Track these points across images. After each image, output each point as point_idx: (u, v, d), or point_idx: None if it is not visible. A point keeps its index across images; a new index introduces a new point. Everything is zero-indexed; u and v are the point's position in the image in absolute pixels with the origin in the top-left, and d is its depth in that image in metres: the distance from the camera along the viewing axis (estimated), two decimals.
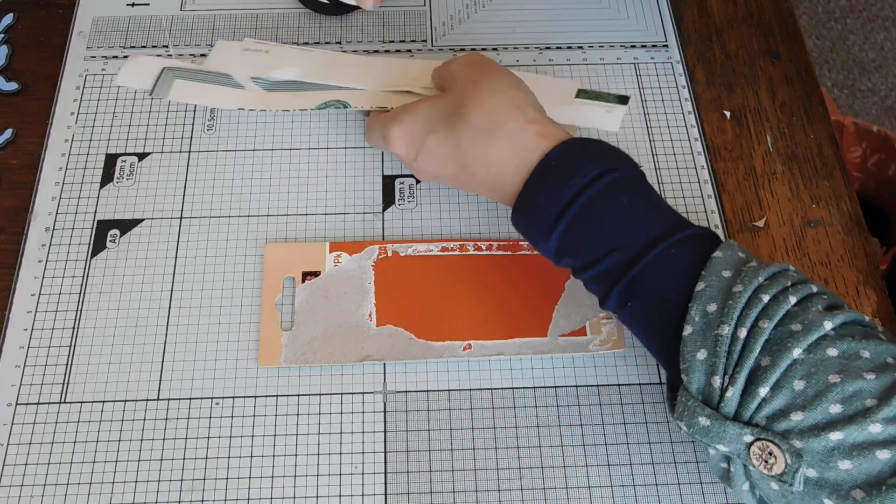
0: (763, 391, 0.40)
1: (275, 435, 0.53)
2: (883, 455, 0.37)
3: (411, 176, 0.63)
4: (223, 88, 0.63)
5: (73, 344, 0.56)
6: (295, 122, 0.66)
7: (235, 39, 0.70)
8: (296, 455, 0.52)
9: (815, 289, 0.43)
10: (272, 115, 0.66)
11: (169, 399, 0.54)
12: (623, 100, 0.62)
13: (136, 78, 0.64)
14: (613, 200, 0.46)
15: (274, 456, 0.52)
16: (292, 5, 0.73)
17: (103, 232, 0.60)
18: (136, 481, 0.51)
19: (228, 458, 0.52)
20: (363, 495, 0.51)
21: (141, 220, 0.61)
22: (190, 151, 0.64)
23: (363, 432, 0.53)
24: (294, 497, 0.51)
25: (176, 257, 0.59)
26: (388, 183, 0.63)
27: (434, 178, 0.55)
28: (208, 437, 0.53)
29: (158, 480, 0.51)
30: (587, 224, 0.46)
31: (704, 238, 0.46)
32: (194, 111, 0.66)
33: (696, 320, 0.43)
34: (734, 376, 0.40)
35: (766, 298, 0.42)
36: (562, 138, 0.49)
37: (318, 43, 0.70)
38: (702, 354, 0.42)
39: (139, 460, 0.52)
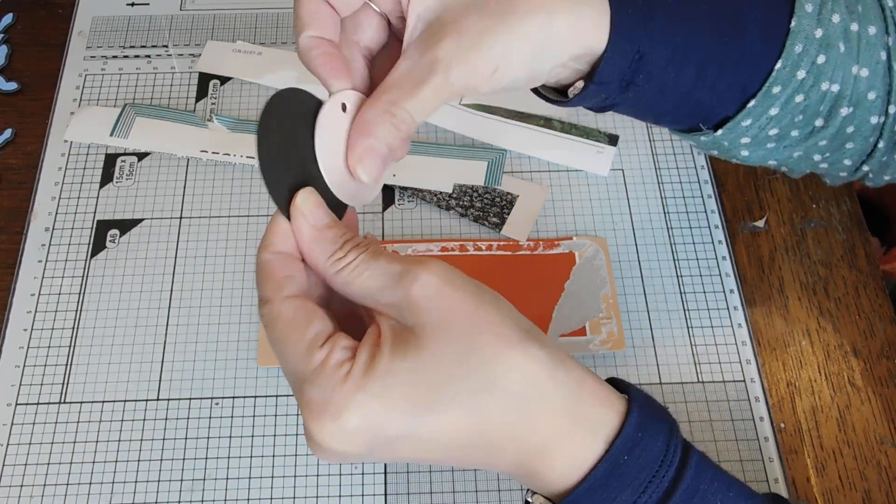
0: None
1: (275, 435, 0.53)
2: None
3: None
4: (186, 127, 0.64)
5: (72, 344, 0.56)
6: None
7: (227, 41, 0.70)
8: (296, 455, 0.52)
9: None
10: None
11: (169, 399, 0.54)
12: (613, 140, 0.64)
13: (87, 131, 0.64)
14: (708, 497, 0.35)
15: (274, 456, 0.52)
16: (291, 5, 0.72)
17: (103, 232, 0.60)
18: (136, 481, 0.51)
19: (228, 458, 0.52)
20: (363, 495, 0.51)
21: (141, 220, 0.61)
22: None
23: None
24: (294, 497, 0.51)
25: (176, 257, 0.59)
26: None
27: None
28: (208, 437, 0.53)
29: (158, 480, 0.51)
30: None
31: None
32: (194, 110, 0.66)
33: None
34: None
35: None
36: (622, 406, 0.35)
37: None
38: None
39: (139, 460, 0.52)
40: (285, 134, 0.36)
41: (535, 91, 0.45)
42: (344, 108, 0.38)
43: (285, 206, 0.36)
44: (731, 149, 0.45)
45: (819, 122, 0.43)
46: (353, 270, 0.35)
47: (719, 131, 0.44)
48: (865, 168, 0.46)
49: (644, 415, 0.35)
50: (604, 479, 0.34)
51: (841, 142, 0.44)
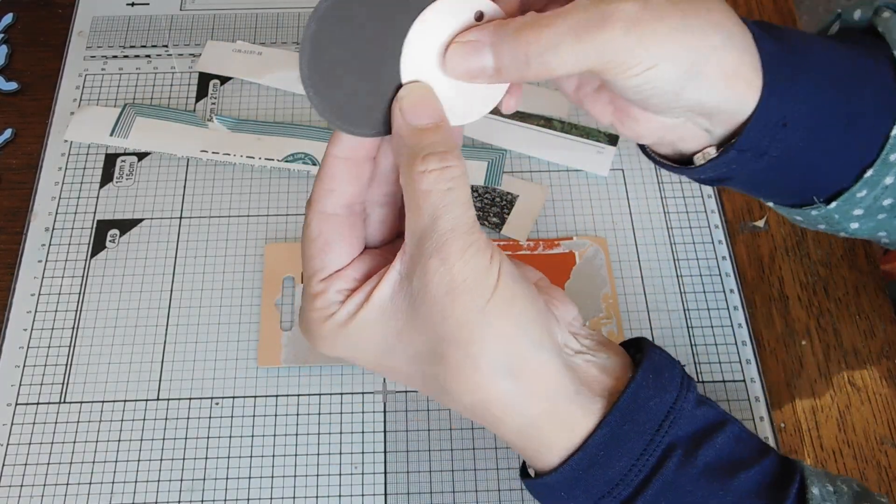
0: None
1: (275, 435, 0.53)
2: None
3: None
4: (186, 127, 0.64)
5: (72, 344, 0.56)
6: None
7: (228, 41, 0.70)
8: (296, 455, 0.52)
9: None
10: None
11: (169, 399, 0.54)
12: (613, 140, 0.64)
13: (87, 131, 0.64)
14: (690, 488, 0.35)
15: (274, 456, 0.52)
16: (291, 5, 0.72)
17: (103, 232, 0.60)
18: (136, 481, 0.51)
19: (228, 458, 0.52)
20: (363, 495, 0.51)
21: (141, 220, 0.61)
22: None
23: (363, 432, 0.53)
24: (294, 497, 0.51)
25: (176, 257, 0.59)
26: None
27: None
28: (208, 437, 0.53)
29: (158, 480, 0.51)
30: None
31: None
32: (194, 110, 0.66)
33: None
34: None
35: None
36: (591, 422, 0.35)
37: None
38: None
39: (139, 460, 0.52)
40: (362, 24, 0.32)
41: (645, 151, 0.43)
42: (480, 17, 0.33)
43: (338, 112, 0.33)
44: (840, 221, 0.43)
45: None
46: (420, 198, 0.33)
47: (832, 204, 0.41)
48: None
49: (612, 435, 0.34)
50: (562, 485, 0.35)
51: None
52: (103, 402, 0.54)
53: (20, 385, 0.54)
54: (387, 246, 0.38)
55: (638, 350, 0.38)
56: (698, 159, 0.40)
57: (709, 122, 0.38)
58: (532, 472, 0.37)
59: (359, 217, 0.36)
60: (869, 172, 0.40)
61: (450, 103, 0.34)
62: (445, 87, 0.34)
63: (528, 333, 0.34)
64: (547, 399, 0.34)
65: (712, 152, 0.39)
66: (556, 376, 0.35)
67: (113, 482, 0.51)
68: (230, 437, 0.53)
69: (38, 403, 0.54)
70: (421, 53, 0.33)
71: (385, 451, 0.52)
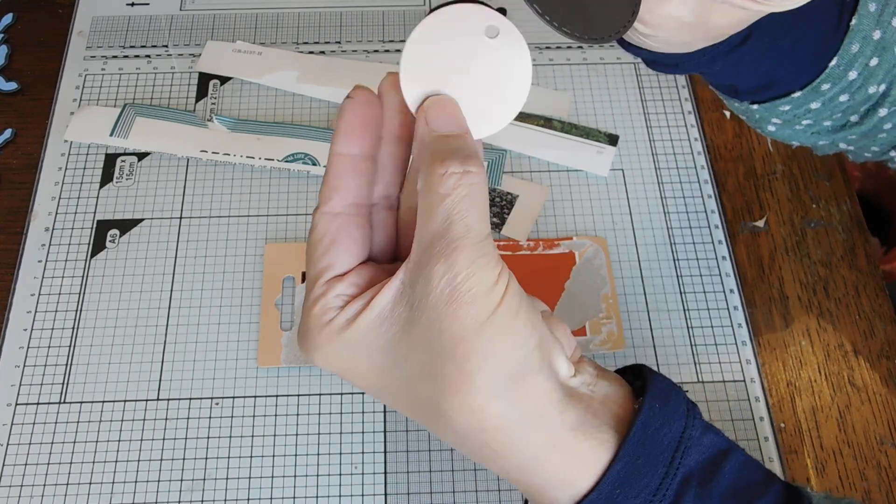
0: None
1: (275, 435, 0.53)
2: None
3: None
4: (186, 127, 0.64)
5: (72, 344, 0.56)
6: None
7: (228, 41, 0.70)
8: (296, 455, 0.52)
9: None
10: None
11: (169, 399, 0.54)
12: (613, 140, 0.64)
13: (87, 131, 0.64)
14: None
15: (274, 456, 0.52)
16: (291, 5, 0.72)
17: (103, 232, 0.60)
18: (136, 481, 0.51)
19: (228, 458, 0.52)
20: (363, 495, 0.51)
21: (141, 220, 0.61)
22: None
23: (363, 432, 0.53)
24: (294, 497, 0.51)
25: (176, 257, 0.59)
26: None
27: None
28: (208, 437, 0.53)
29: (158, 480, 0.51)
30: None
31: None
32: (194, 110, 0.66)
33: None
34: None
35: None
36: (597, 469, 0.33)
37: (317, 43, 0.70)
38: None
39: (139, 460, 0.52)
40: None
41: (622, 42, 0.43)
42: (493, 34, 0.33)
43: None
44: (760, 121, 0.45)
45: (854, 118, 0.43)
46: (435, 201, 0.32)
47: (755, 105, 0.44)
48: (893, 154, 0.46)
49: (627, 470, 0.32)
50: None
51: (873, 135, 0.44)
52: (103, 402, 0.54)
53: (20, 385, 0.54)
54: (389, 264, 0.37)
55: (636, 377, 0.36)
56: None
57: None
58: None
59: (365, 218, 0.35)
60: (797, 94, 0.42)
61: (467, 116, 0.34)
62: (463, 102, 0.34)
63: (527, 356, 0.32)
64: (549, 428, 0.32)
65: None
66: (557, 403, 0.33)
67: (113, 482, 0.51)
68: (230, 437, 0.53)
69: (38, 403, 0.54)
70: (431, 62, 0.33)
71: (385, 452, 0.52)
